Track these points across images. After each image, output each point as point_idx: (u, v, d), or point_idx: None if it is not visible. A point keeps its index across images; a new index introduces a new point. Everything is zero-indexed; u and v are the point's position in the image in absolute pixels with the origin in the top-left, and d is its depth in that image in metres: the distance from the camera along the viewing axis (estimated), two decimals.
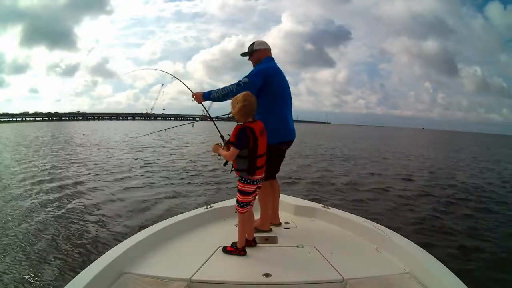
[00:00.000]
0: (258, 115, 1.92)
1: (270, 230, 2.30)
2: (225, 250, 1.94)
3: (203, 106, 2.38)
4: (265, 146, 1.92)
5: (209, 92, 2.16)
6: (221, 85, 2.16)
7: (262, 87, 2.13)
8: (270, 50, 2.37)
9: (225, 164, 1.95)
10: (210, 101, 2.25)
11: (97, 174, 7.91)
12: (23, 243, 3.49)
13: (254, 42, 2.37)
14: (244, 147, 1.80)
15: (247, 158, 1.83)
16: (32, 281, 2.71)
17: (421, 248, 1.87)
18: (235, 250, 1.92)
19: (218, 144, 1.97)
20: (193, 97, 2.25)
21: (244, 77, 2.13)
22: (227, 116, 2.23)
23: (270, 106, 2.09)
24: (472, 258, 3.43)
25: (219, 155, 1.95)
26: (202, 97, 2.20)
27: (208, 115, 2.42)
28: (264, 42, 2.37)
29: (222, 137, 2.08)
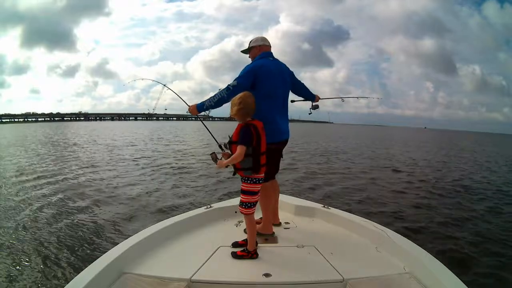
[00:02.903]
0: None
1: (273, 234, 2.26)
2: (236, 255, 1.88)
3: (199, 117, 2.38)
4: (265, 144, 1.91)
5: (202, 103, 2.14)
6: (221, 85, 2.16)
7: (251, 86, 2.09)
8: (268, 45, 2.33)
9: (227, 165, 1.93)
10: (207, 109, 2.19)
11: (96, 172, 7.92)
12: (21, 244, 3.49)
13: (255, 38, 2.35)
14: (249, 143, 1.79)
15: (251, 156, 1.82)
16: (32, 281, 2.71)
17: (421, 248, 1.87)
18: (247, 254, 1.88)
19: (214, 153, 1.94)
20: (188, 111, 2.24)
21: (233, 80, 2.11)
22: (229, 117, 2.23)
23: (257, 106, 2.01)
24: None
25: (228, 166, 1.88)
26: (197, 109, 2.18)
27: (207, 115, 2.41)
28: (261, 38, 2.34)
29: (220, 146, 2.05)
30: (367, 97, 3.68)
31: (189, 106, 2.24)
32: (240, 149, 1.78)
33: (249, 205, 1.91)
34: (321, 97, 2.78)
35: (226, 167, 1.90)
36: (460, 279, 1.52)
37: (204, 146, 16.33)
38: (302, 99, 2.72)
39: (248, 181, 1.89)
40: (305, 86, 2.62)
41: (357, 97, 3.41)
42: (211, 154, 1.96)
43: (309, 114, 2.81)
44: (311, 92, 2.68)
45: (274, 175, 2.36)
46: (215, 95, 2.10)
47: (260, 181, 1.92)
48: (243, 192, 1.91)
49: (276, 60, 2.32)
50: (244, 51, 2.41)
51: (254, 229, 1.95)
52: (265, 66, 2.17)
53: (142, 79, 3.24)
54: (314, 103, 2.74)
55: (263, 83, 2.12)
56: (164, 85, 2.96)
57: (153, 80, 3.14)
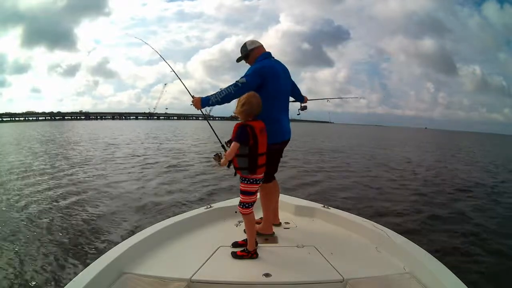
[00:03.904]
0: None
1: (273, 234, 2.25)
2: (236, 255, 1.88)
3: (202, 112, 2.28)
4: (265, 145, 1.91)
5: (208, 98, 2.09)
6: (221, 85, 2.10)
7: (257, 87, 2.05)
8: (262, 46, 2.29)
9: (229, 165, 1.91)
10: (212, 105, 2.15)
11: (95, 171, 7.92)
12: (22, 243, 3.49)
13: (245, 43, 2.28)
14: (244, 142, 1.79)
15: (247, 157, 1.82)
16: (32, 281, 2.71)
17: (421, 248, 1.86)
18: (247, 254, 1.88)
19: (217, 154, 1.92)
20: (192, 102, 2.18)
21: (241, 77, 2.06)
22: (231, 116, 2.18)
23: (264, 106, 1.99)
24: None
25: (229, 165, 1.88)
26: (201, 103, 2.11)
27: (208, 115, 2.37)
28: (255, 41, 2.29)
29: (223, 146, 2.04)
30: (348, 98, 3.70)
31: (193, 97, 2.17)
32: (233, 145, 1.80)
33: (247, 205, 1.92)
34: (309, 99, 2.82)
35: (228, 167, 1.90)
36: (460, 279, 1.51)
37: (204, 145, 16.34)
38: (292, 100, 2.70)
39: (246, 181, 1.89)
40: (298, 88, 2.64)
41: (340, 98, 3.53)
42: (214, 155, 1.94)
43: (298, 114, 2.86)
44: (301, 94, 2.71)
45: (274, 174, 2.35)
46: (222, 91, 2.05)
47: (258, 182, 1.92)
48: (241, 192, 1.92)
49: (277, 60, 2.30)
50: (239, 59, 2.34)
51: (253, 229, 1.96)
52: (271, 66, 2.15)
53: (160, 55, 2.97)
54: (303, 104, 2.79)
55: (270, 83, 2.09)
56: (175, 73, 2.72)
57: (165, 61, 2.91)
